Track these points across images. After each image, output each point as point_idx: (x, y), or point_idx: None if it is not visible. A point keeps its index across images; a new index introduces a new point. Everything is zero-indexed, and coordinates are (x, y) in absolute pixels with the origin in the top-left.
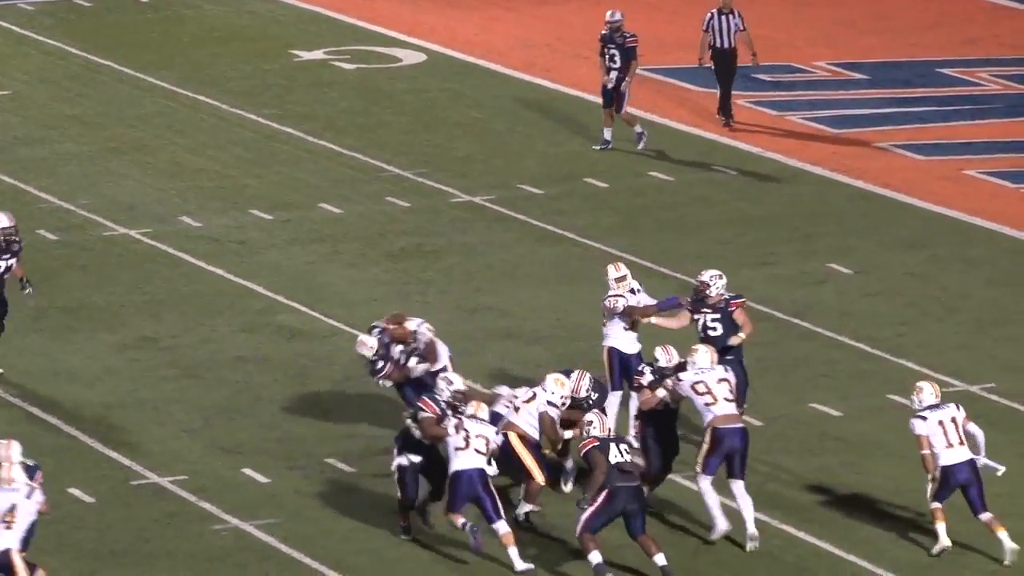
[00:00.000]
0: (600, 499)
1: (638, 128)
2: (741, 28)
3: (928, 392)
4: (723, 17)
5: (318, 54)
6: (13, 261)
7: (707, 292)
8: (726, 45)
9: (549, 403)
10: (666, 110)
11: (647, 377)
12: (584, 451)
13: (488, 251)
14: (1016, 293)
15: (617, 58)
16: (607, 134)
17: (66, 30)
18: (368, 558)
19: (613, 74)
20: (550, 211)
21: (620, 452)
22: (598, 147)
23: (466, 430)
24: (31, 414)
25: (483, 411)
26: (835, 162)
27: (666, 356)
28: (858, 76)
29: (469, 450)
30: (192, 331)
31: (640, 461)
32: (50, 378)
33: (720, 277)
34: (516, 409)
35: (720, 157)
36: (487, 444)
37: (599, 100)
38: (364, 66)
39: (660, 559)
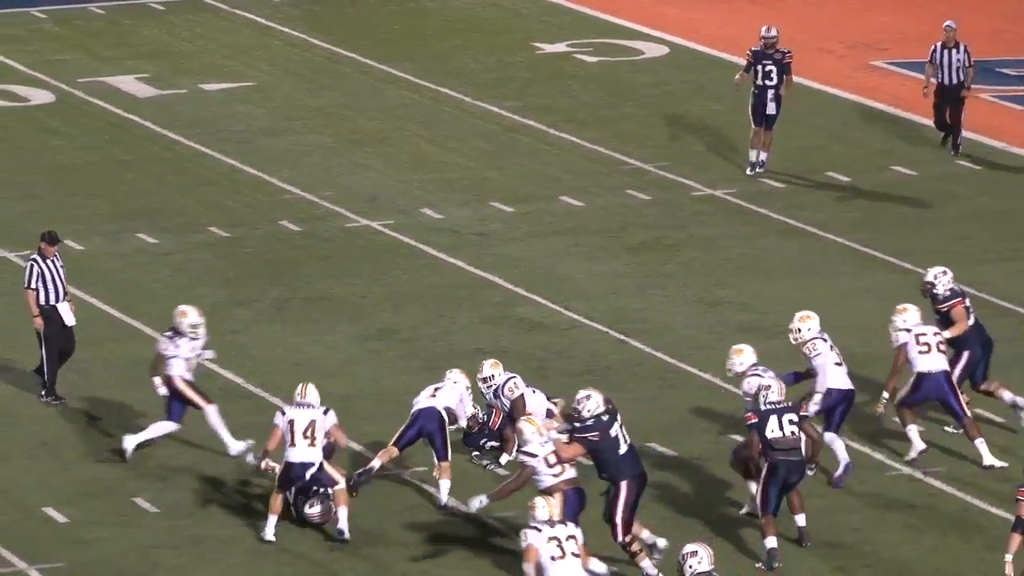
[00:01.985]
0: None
1: (765, 154)
2: (968, 64)
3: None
4: (946, 51)
5: (560, 47)
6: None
7: (934, 291)
8: (953, 81)
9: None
10: (910, 104)
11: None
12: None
13: (728, 244)
14: None
15: (774, 75)
16: (760, 156)
17: (309, 21)
18: None
19: (770, 92)
20: (791, 205)
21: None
22: (750, 171)
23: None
24: (272, 404)
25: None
26: None
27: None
28: None
29: None
30: (432, 323)
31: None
32: (291, 368)
33: (944, 273)
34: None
35: (964, 152)
36: None
37: (843, 94)
38: (606, 59)
39: (800, 519)
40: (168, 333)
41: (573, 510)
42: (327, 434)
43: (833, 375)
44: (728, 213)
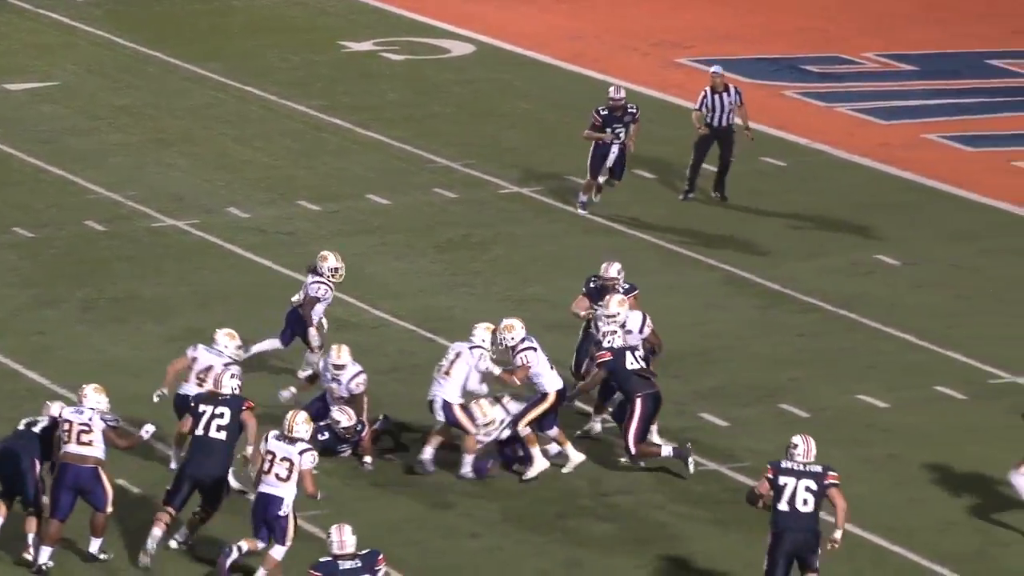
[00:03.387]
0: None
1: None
2: (739, 104)
3: None
4: (716, 96)
5: (366, 45)
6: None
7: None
8: (721, 124)
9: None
10: None
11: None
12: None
13: (535, 242)
14: None
15: (622, 133)
16: (589, 198)
17: (114, 21)
18: (414, 550)
19: (616, 146)
20: (598, 203)
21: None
22: (583, 211)
23: None
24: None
25: None
26: (884, 153)
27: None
28: (907, 67)
29: None
30: (240, 322)
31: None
32: (98, 368)
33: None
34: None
35: (769, 149)
36: None
37: (647, 91)
38: (412, 57)
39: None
40: (315, 278)
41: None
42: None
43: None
44: (535, 211)
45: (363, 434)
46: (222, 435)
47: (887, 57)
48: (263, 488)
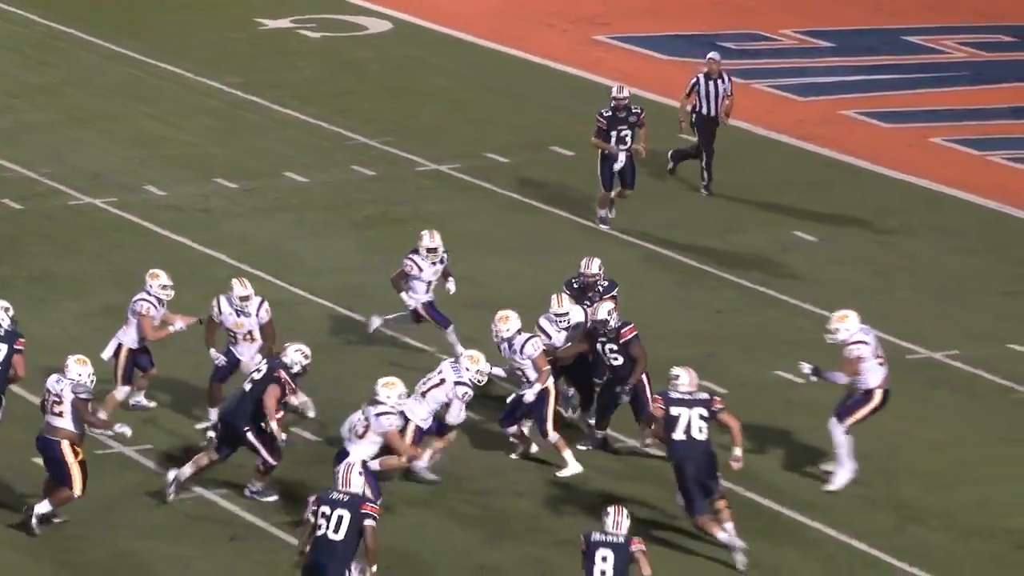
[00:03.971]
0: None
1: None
2: (729, 94)
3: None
4: (711, 83)
5: (284, 22)
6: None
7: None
8: (713, 112)
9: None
10: (632, 77)
11: None
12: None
13: (454, 219)
14: (981, 261)
15: (629, 137)
16: (607, 212)
17: None
18: None
19: (623, 155)
20: (517, 180)
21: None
22: (604, 226)
23: None
24: None
25: None
26: (801, 130)
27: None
28: (824, 44)
29: None
30: None
31: None
32: None
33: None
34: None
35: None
36: None
37: (566, 68)
38: (330, 34)
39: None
40: (412, 256)
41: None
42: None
43: None
44: (454, 188)
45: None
46: None
47: (804, 34)
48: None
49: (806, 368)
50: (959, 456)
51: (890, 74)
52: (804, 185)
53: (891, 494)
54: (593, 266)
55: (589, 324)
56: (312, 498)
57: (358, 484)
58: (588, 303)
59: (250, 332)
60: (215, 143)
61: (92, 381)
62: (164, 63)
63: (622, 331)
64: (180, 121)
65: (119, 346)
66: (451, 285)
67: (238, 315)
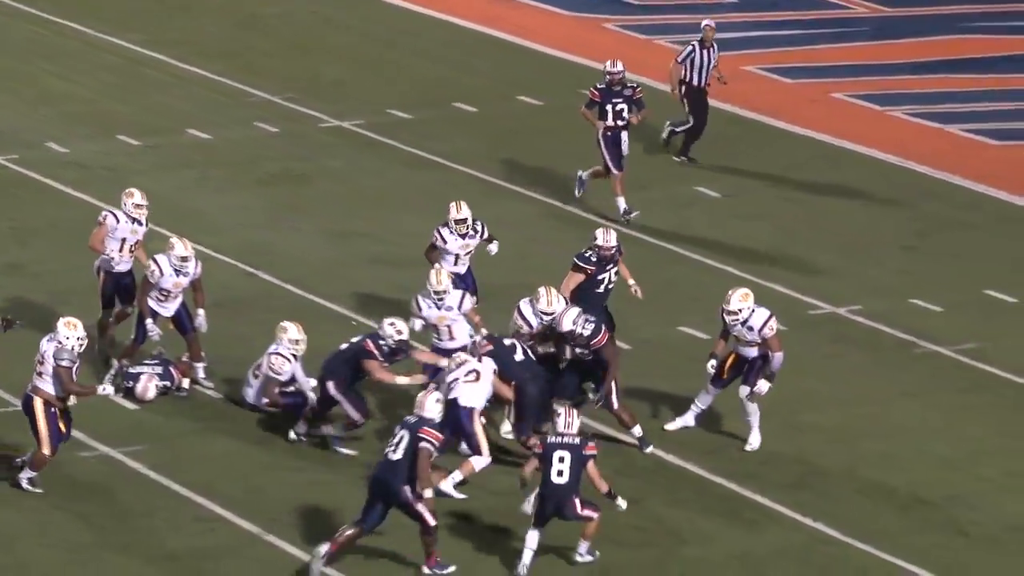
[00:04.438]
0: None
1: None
2: (715, 64)
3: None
4: (704, 51)
5: None
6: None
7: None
8: (704, 83)
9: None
10: (536, 34)
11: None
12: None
13: (357, 176)
14: (883, 216)
15: (625, 112)
16: (624, 202)
17: None
18: (237, 484)
19: (624, 133)
20: (419, 136)
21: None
22: (624, 218)
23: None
24: None
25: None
26: None
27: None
28: None
29: None
30: (60, 258)
31: None
32: None
33: (607, 231)
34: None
35: (589, 81)
36: None
37: (467, 25)
38: None
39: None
40: (440, 228)
41: None
42: None
43: None
44: (357, 145)
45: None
46: None
47: None
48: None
49: (764, 387)
50: (862, 411)
51: (792, 30)
52: (707, 141)
53: (795, 449)
54: (612, 239)
55: (558, 331)
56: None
57: (433, 410)
58: (606, 274)
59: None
60: (118, 100)
61: (81, 345)
62: (67, 20)
63: (592, 341)
64: (83, 78)
65: (98, 270)
66: (493, 247)
67: (177, 275)
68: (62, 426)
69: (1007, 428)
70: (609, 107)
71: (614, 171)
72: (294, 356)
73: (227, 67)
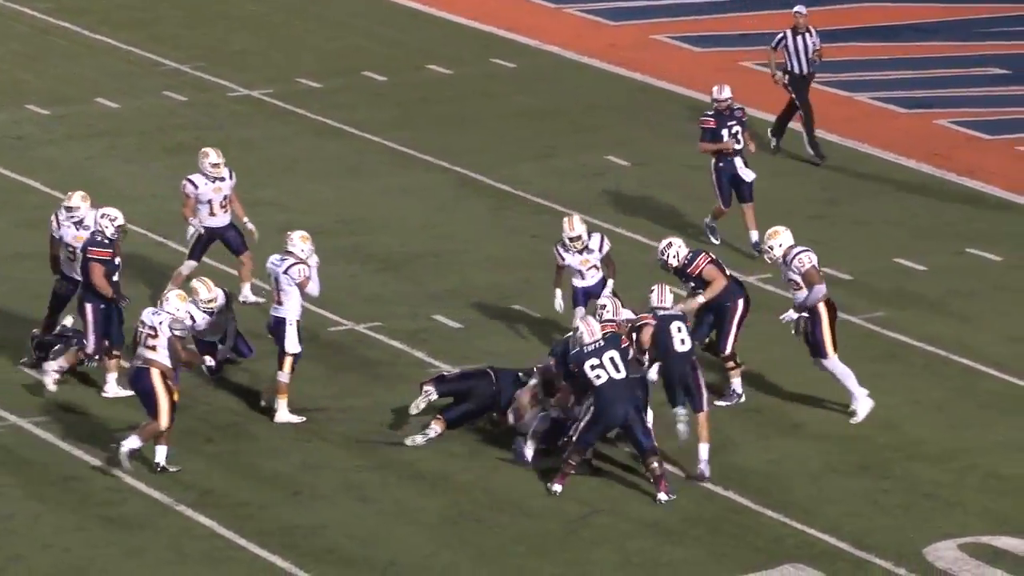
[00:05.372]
0: None
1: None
2: (818, 47)
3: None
4: (798, 38)
5: None
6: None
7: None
8: (804, 70)
9: None
10: (445, 3)
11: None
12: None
13: (267, 145)
14: (790, 185)
15: (740, 134)
16: (757, 235)
17: None
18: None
19: (739, 159)
20: (329, 105)
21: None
22: (713, 237)
23: None
24: None
25: None
26: (612, 54)
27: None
28: None
29: None
30: None
31: None
32: None
33: (670, 246)
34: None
35: (499, 50)
36: None
37: None
38: None
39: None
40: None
41: None
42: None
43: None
44: (266, 114)
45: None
46: None
47: None
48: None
49: (791, 316)
50: (772, 380)
51: None
52: (616, 110)
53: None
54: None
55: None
56: None
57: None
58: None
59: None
60: (25, 69)
61: (190, 318)
62: None
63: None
64: None
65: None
66: (609, 284)
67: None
68: (176, 397)
69: (918, 396)
70: (725, 131)
71: (721, 205)
72: (209, 313)
73: (136, 36)
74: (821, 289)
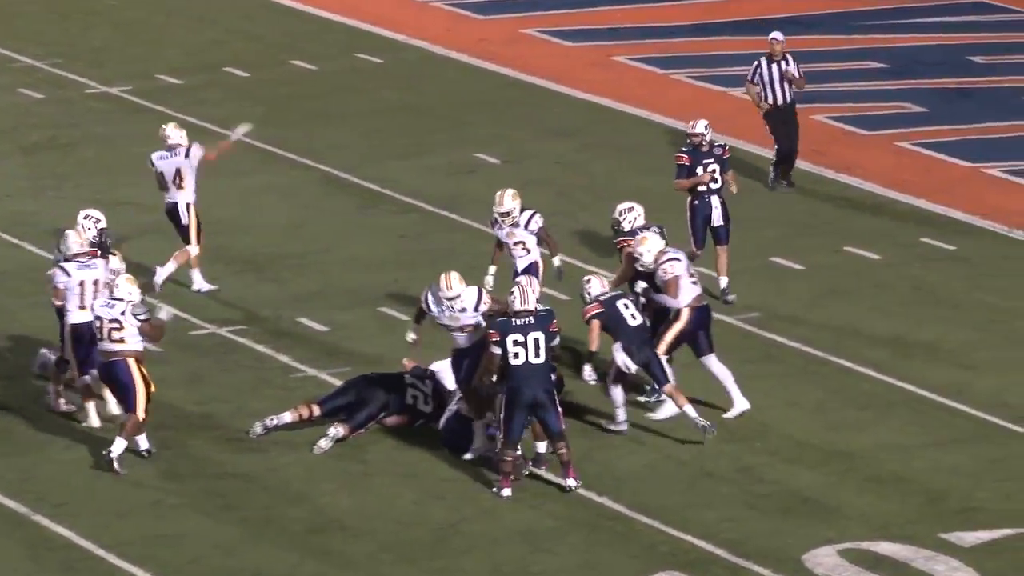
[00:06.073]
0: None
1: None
2: (798, 76)
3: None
4: (773, 66)
5: None
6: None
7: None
8: (781, 99)
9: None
10: None
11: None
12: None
13: (126, 143)
14: (666, 179)
15: (718, 175)
16: (726, 282)
17: None
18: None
19: (715, 198)
20: (190, 101)
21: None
22: (730, 299)
23: None
24: None
25: None
26: (482, 49)
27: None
28: None
29: None
30: None
31: None
32: None
33: (630, 210)
34: None
35: (364, 45)
36: None
37: None
38: None
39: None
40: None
41: None
42: None
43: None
44: (124, 111)
45: None
46: None
47: None
48: None
49: (639, 287)
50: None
51: None
52: (486, 106)
53: (579, 424)
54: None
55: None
56: None
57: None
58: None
59: None
60: None
61: (141, 297)
62: None
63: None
64: None
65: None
66: (556, 260)
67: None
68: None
69: (794, 398)
70: (700, 168)
71: (695, 251)
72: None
73: None
74: (676, 304)
